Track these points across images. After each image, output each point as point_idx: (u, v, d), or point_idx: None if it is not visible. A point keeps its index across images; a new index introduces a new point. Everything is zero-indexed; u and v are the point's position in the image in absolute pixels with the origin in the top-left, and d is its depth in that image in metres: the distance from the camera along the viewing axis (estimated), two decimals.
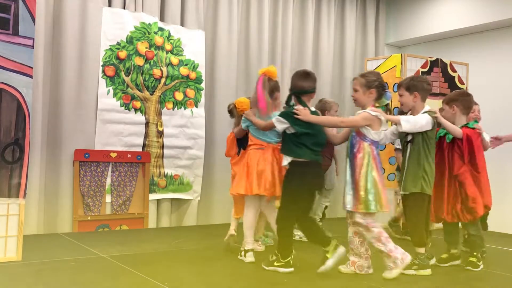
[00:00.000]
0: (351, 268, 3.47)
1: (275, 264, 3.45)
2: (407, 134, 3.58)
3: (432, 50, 6.98)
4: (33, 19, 3.63)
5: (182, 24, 5.63)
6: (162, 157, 5.43)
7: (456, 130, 3.67)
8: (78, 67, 4.98)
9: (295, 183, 3.44)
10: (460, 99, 3.80)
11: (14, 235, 3.53)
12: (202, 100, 5.69)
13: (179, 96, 5.52)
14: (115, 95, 5.14)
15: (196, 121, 5.63)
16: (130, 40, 5.21)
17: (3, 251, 3.48)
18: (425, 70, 5.90)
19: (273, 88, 3.71)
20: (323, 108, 4.77)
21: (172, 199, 5.57)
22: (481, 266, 3.70)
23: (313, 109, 3.56)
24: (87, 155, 4.96)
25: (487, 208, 3.75)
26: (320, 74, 6.73)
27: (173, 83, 5.47)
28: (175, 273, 3.37)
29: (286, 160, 3.47)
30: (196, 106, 5.64)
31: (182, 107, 5.54)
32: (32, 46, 3.62)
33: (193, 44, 5.63)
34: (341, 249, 3.36)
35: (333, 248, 3.34)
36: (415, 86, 3.61)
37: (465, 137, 3.69)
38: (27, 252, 3.66)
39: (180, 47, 5.53)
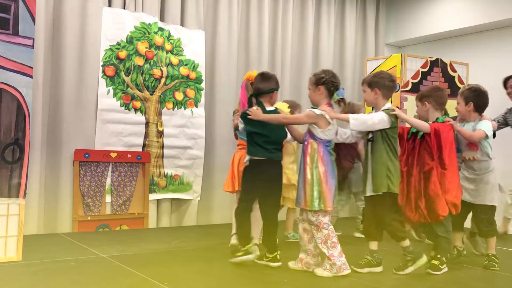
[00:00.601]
0: (299, 265, 3.53)
1: (237, 254, 3.58)
2: (368, 132, 3.52)
3: (432, 50, 6.99)
4: (33, 19, 3.63)
5: (182, 24, 5.63)
6: (162, 157, 5.43)
7: (423, 125, 3.55)
8: (78, 67, 4.98)
9: (248, 178, 3.65)
10: (432, 94, 3.71)
11: (14, 235, 3.53)
12: (202, 100, 5.69)
13: (179, 96, 5.52)
14: (115, 95, 5.14)
15: (196, 121, 5.63)
16: (130, 40, 5.21)
17: (3, 251, 3.48)
18: (425, 70, 5.91)
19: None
20: (351, 110, 4.64)
21: (172, 199, 5.57)
22: (444, 270, 3.56)
23: (271, 108, 3.66)
24: (87, 155, 4.96)
25: (455, 207, 3.54)
26: None
27: (173, 83, 5.48)
28: (175, 273, 3.37)
29: (246, 158, 3.67)
30: (196, 106, 5.64)
31: (182, 107, 5.54)
32: (32, 46, 3.62)
33: (193, 44, 5.63)
34: (251, 256, 3.56)
35: (246, 251, 3.56)
36: (376, 82, 3.55)
37: (433, 131, 3.53)
38: (27, 252, 3.66)
39: (180, 47, 5.53)
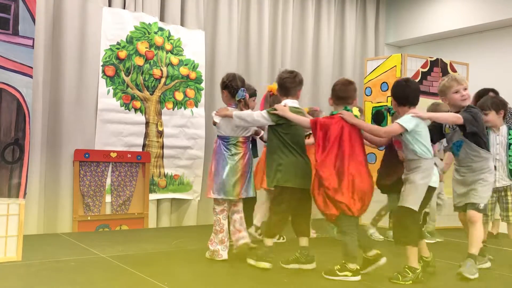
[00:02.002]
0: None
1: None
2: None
3: (432, 50, 6.99)
4: (33, 19, 3.63)
5: (182, 24, 5.63)
6: (162, 157, 5.43)
7: (304, 120, 3.50)
8: (78, 67, 4.98)
9: None
10: (332, 89, 3.56)
11: (14, 235, 3.53)
12: (202, 100, 5.69)
13: (179, 96, 5.52)
14: (115, 95, 5.14)
15: (196, 121, 5.63)
16: (130, 40, 5.21)
17: (3, 251, 3.48)
18: (425, 70, 5.91)
19: (274, 100, 4.15)
20: (434, 110, 4.59)
21: (172, 199, 5.57)
22: (347, 278, 3.25)
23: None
24: (87, 155, 4.96)
25: (348, 208, 3.23)
26: (320, 74, 6.75)
27: (173, 83, 5.47)
28: (175, 273, 3.38)
29: None
30: (196, 106, 5.64)
31: (182, 107, 5.54)
32: (32, 46, 3.62)
33: (193, 44, 5.62)
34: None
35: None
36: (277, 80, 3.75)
37: (313, 126, 3.41)
38: (27, 252, 3.66)
39: (180, 47, 5.53)
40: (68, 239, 4.49)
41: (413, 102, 3.41)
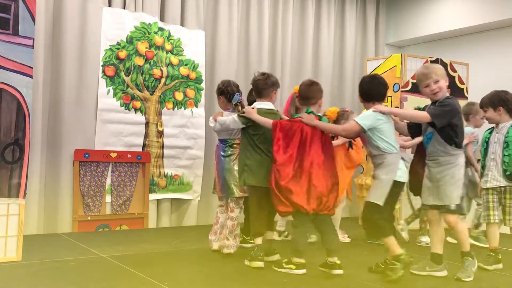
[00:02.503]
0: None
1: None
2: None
3: (432, 50, 6.99)
4: (33, 19, 3.63)
5: (182, 24, 5.63)
6: (162, 157, 5.43)
7: (265, 122, 3.55)
8: (78, 67, 4.98)
9: None
10: (299, 89, 3.63)
11: (14, 235, 3.53)
12: (202, 100, 5.69)
13: (179, 96, 5.52)
14: (115, 95, 5.14)
15: (196, 121, 5.63)
16: (130, 40, 5.21)
17: (3, 251, 3.48)
18: None
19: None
20: (468, 111, 4.61)
21: (172, 199, 5.57)
22: (292, 271, 3.35)
23: None
24: (87, 155, 4.96)
25: (301, 208, 3.31)
26: (320, 74, 6.74)
27: (173, 83, 5.48)
28: (175, 273, 3.37)
29: None
30: (196, 106, 5.64)
31: (182, 107, 5.54)
32: (32, 46, 3.62)
33: (193, 44, 5.63)
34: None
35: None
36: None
37: (273, 127, 3.47)
38: (27, 252, 3.67)
39: (180, 47, 5.53)
40: (68, 239, 4.49)
41: (377, 98, 3.43)
